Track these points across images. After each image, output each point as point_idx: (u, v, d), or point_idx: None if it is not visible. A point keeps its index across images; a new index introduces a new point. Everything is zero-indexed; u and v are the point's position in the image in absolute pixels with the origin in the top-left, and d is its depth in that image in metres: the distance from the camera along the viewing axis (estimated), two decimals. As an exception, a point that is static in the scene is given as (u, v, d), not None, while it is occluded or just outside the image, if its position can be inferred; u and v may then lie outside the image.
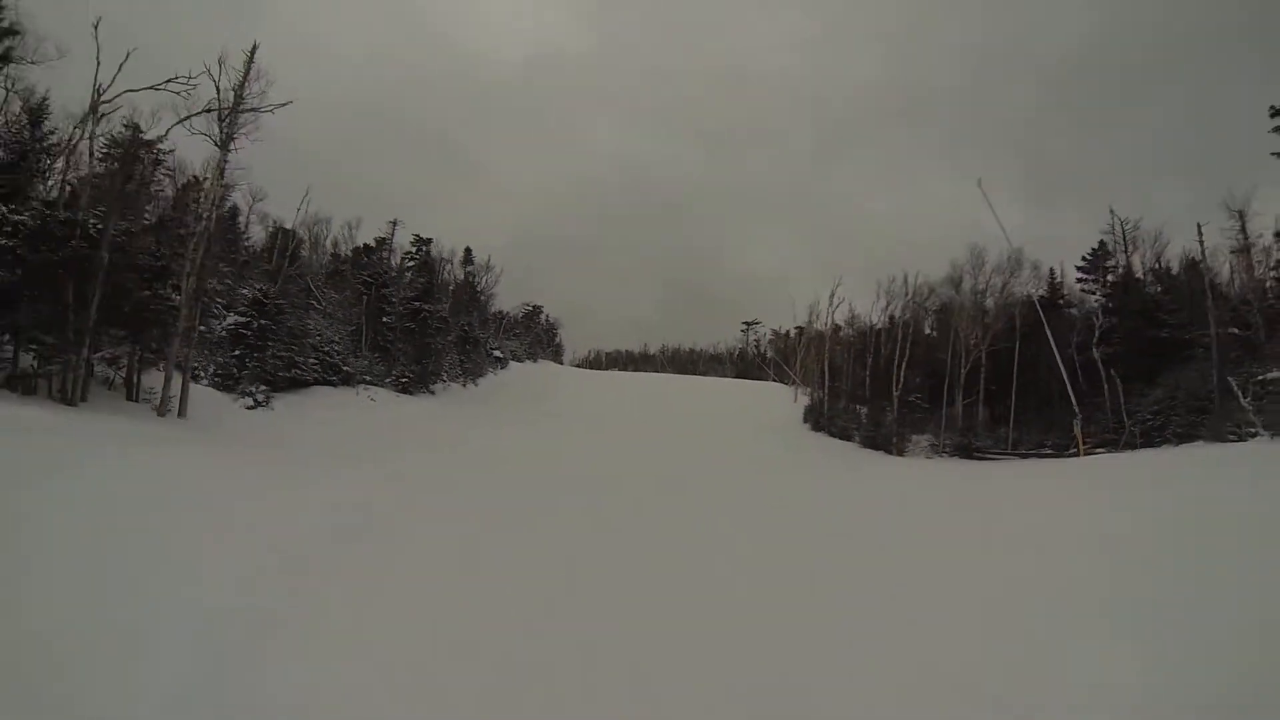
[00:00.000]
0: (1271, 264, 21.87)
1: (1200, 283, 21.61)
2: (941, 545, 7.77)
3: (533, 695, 3.63)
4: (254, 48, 15.75)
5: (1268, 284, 21.48)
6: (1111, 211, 28.00)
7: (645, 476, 14.59)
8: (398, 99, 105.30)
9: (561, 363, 69.89)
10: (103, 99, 13.75)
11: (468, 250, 49.36)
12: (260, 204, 32.69)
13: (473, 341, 42.28)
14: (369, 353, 30.02)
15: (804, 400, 36.43)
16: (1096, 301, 27.66)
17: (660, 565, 6.51)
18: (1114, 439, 21.17)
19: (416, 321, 33.54)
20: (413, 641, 4.22)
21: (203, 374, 20.45)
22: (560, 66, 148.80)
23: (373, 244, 40.98)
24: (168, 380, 14.88)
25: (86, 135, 13.91)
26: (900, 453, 26.59)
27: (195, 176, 21.34)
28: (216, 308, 23.45)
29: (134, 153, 16.59)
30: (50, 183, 15.10)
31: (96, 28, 14.10)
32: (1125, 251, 27.34)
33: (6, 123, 14.68)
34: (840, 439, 28.47)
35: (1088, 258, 28.67)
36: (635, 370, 78.76)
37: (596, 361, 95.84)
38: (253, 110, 15.01)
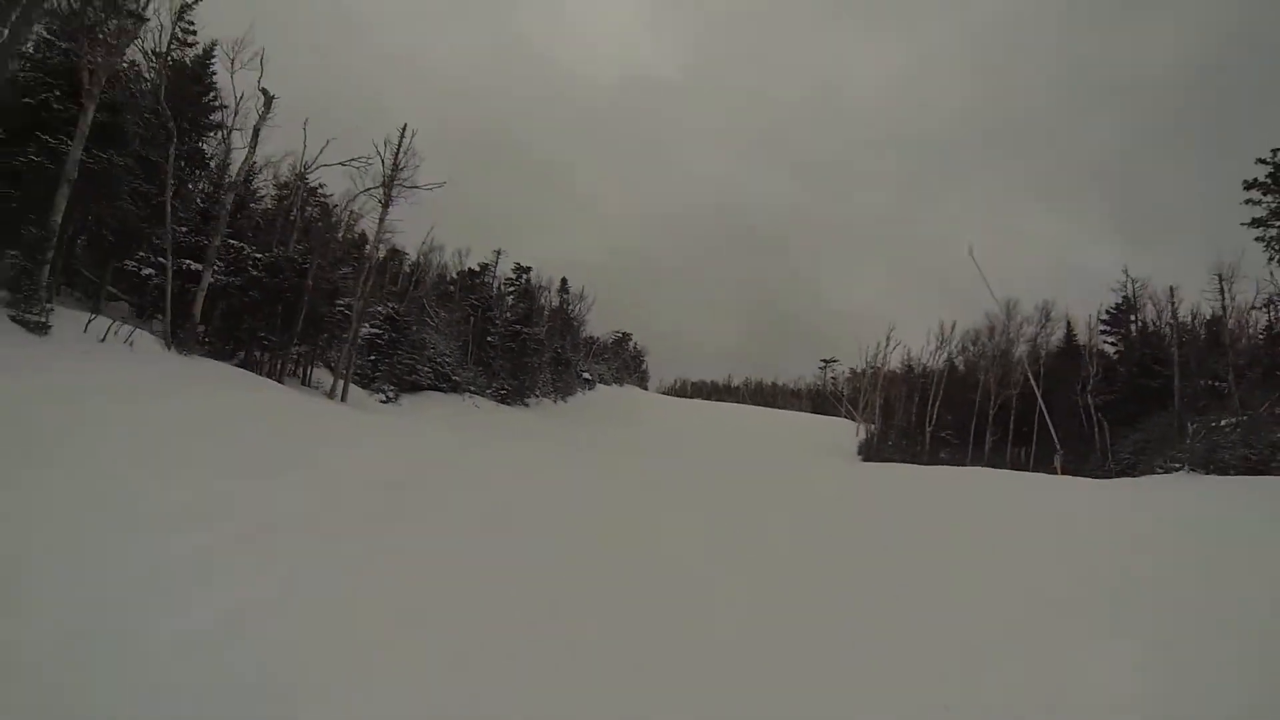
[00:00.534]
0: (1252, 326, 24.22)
1: (1214, 336, 23.98)
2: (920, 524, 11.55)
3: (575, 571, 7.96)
4: (403, 130, 21.38)
5: (1242, 341, 23.51)
6: (1125, 272, 30.80)
7: (698, 478, 18.62)
8: (500, 120, 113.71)
9: (646, 389, 74.68)
10: (309, 170, 19.68)
11: (564, 280, 55.06)
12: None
13: (564, 363, 47.68)
14: (473, 366, 35.58)
15: (864, 435, 39.63)
16: (1114, 353, 30.31)
17: (685, 517, 10.46)
18: (1096, 473, 23.71)
19: (516, 342, 39.02)
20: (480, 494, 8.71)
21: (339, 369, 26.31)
22: (655, 91, 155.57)
23: (478, 269, 47.10)
24: (336, 373, 20.45)
25: (299, 197, 19.91)
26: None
27: (361, 233, 27.69)
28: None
29: (330, 211, 22.89)
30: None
31: (305, 126, 19.98)
32: (1135, 308, 29.77)
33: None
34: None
35: (1110, 312, 31.10)
36: (716, 400, 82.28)
37: (681, 390, 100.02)
38: (413, 187, 20.54)
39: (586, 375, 53.29)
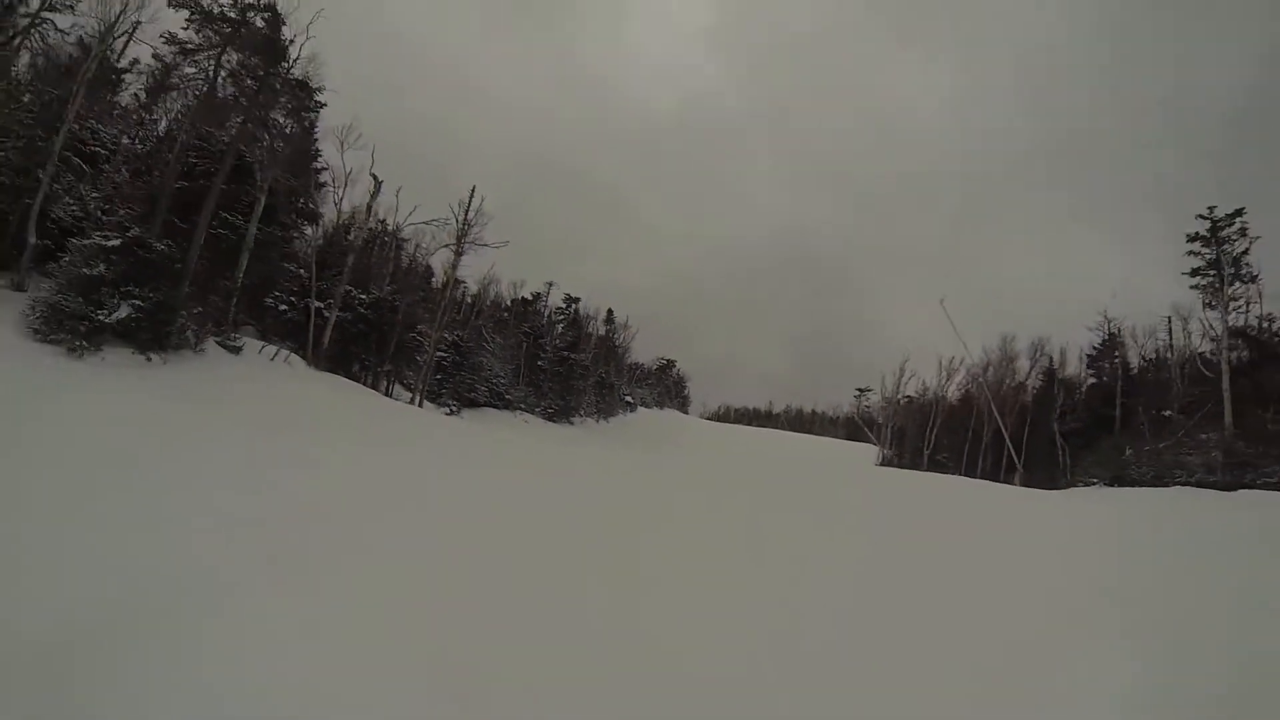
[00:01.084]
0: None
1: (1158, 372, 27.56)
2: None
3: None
4: (472, 192, 26.79)
5: (1185, 370, 26.74)
6: (1104, 314, 33.86)
7: (720, 483, 23.17)
8: (562, 144, 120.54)
9: (687, 413, 79.04)
10: (401, 230, 25.33)
11: (610, 311, 60.27)
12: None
13: (608, 386, 52.68)
14: (525, 386, 40.75)
15: (880, 458, 43.46)
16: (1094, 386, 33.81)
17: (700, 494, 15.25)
18: (1046, 486, 27.50)
19: (564, 366, 44.14)
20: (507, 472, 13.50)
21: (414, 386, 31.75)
22: (714, 116, 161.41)
23: (531, 297, 52.56)
24: (413, 389, 25.77)
25: (392, 249, 25.58)
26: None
27: (427, 266, 33.52)
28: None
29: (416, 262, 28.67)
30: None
31: (398, 194, 25.63)
32: (1117, 345, 32.97)
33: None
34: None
35: (1096, 347, 34.35)
36: (755, 426, 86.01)
37: (725, 415, 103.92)
38: (482, 245, 25.96)
39: (629, 398, 58.13)
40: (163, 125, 18.66)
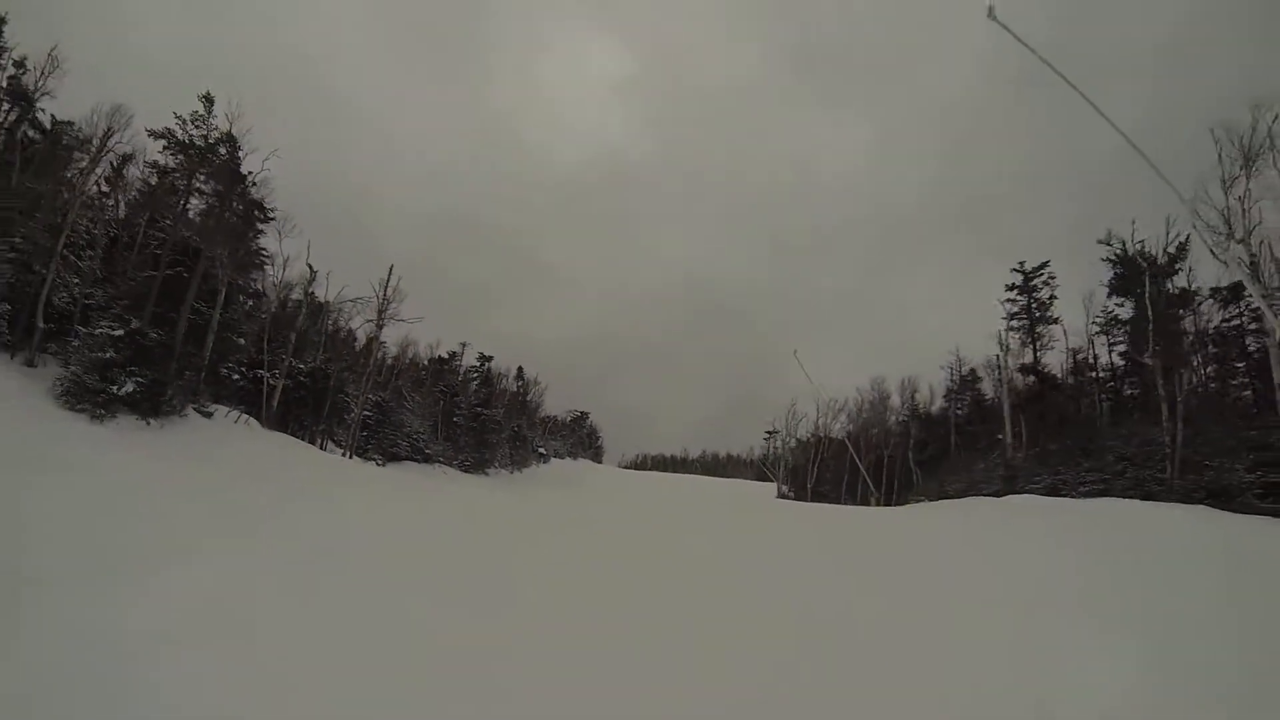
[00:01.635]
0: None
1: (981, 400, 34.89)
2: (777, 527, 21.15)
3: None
4: (390, 271, 31.45)
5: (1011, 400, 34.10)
6: (955, 352, 41.10)
7: (623, 516, 28.01)
8: (476, 197, 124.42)
9: (600, 462, 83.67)
10: (331, 307, 29.66)
11: (520, 369, 65.00)
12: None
13: (521, 439, 56.91)
14: (442, 440, 44.73)
15: (776, 492, 49.60)
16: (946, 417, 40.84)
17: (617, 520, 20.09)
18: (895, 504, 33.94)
19: (478, 422, 48.33)
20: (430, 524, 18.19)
21: (344, 443, 35.48)
22: (626, 169, 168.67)
23: (447, 356, 56.69)
24: (344, 445, 29.72)
25: (325, 322, 29.80)
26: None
27: (349, 331, 37.68)
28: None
29: (339, 328, 32.86)
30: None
31: (329, 276, 30.01)
32: (964, 381, 40.17)
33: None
34: (777, 518, 41.72)
35: (954, 382, 41.61)
36: (670, 472, 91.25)
37: (641, 463, 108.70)
38: (399, 320, 30.58)
39: (542, 450, 62.44)
40: (140, 229, 22.62)
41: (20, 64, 21.45)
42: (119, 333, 17.53)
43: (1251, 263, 18.33)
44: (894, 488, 38.80)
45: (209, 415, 19.89)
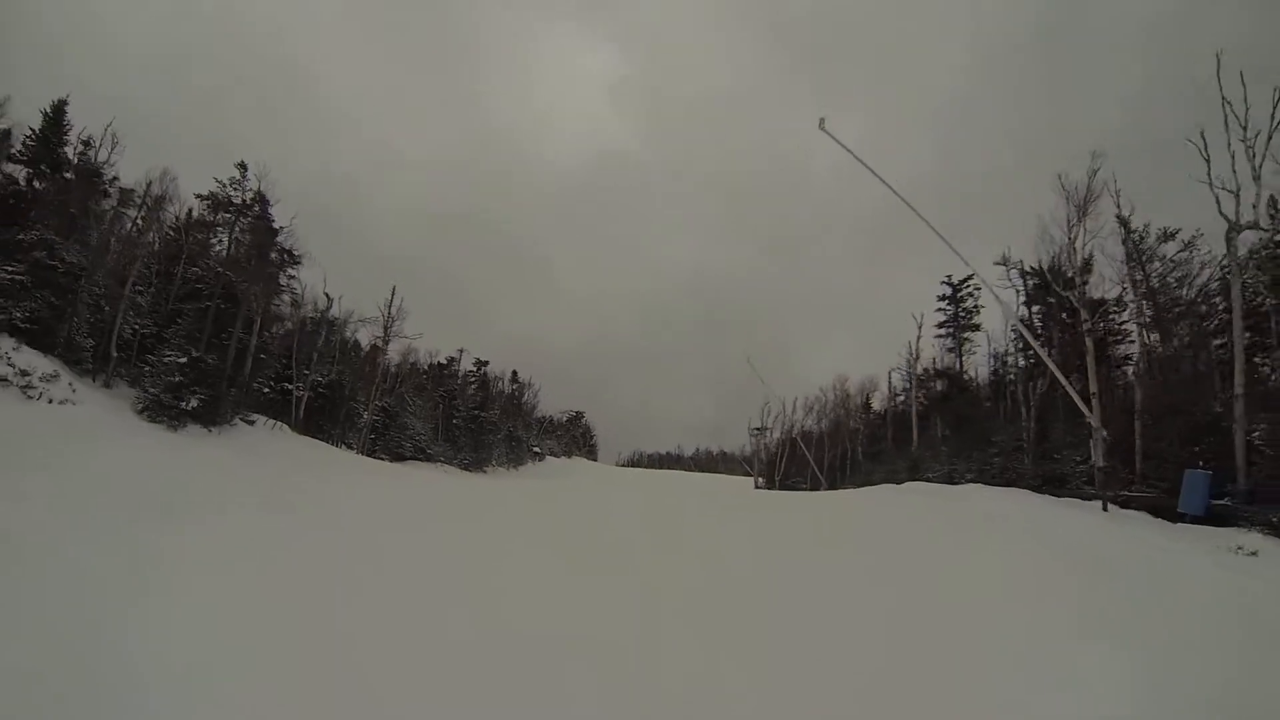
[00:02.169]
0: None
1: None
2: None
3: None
4: (393, 291, 36.62)
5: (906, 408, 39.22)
6: (908, 352, 46.12)
7: (592, 494, 33.23)
8: (475, 202, 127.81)
9: (595, 460, 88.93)
10: (343, 323, 34.86)
11: (514, 372, 70.20)
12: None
13: (516, 439, 62.19)
14: (443, 441, 49.99)
15: (755, 485, 54.94)
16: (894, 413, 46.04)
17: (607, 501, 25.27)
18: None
19: (475, 423, 53.57)
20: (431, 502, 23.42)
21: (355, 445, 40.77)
22: (621, 171, 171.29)
23: (446, 362, 61.85)
24: (356, 447, 34.95)
25: (337, 338, 35.08)
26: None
27: (355, 341, 42.99)
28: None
29: (346, 340, 38.19)
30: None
31: (340, 299, 35.21)
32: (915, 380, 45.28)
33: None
34: (746, 505, 47.02)
35: (895, 385, 46.84)
36: (662, 469, 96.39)
37: (637, 461, 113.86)
38: (403, 338, 35.80)
39: (537, 449, 67.70)
40: (180, 270, 27.87)
41: (87, 143, 26.76)
42: (183, 360, 22.75)
43: (1080, 298, 23.03)
44: (847, 477, 44.01)
45: (251, 423, 25.11)
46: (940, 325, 38.77)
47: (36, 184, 26.61)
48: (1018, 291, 29.91)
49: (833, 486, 41.72)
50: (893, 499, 20.85)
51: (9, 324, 21.00)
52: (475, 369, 62.43)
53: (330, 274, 35.03)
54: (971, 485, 23.68)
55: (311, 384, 31.54)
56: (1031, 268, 28.91)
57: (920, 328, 38.67)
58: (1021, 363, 35.07)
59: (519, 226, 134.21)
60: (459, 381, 60.52)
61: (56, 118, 27.78)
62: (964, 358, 38.20)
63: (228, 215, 27.43)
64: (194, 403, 22.33)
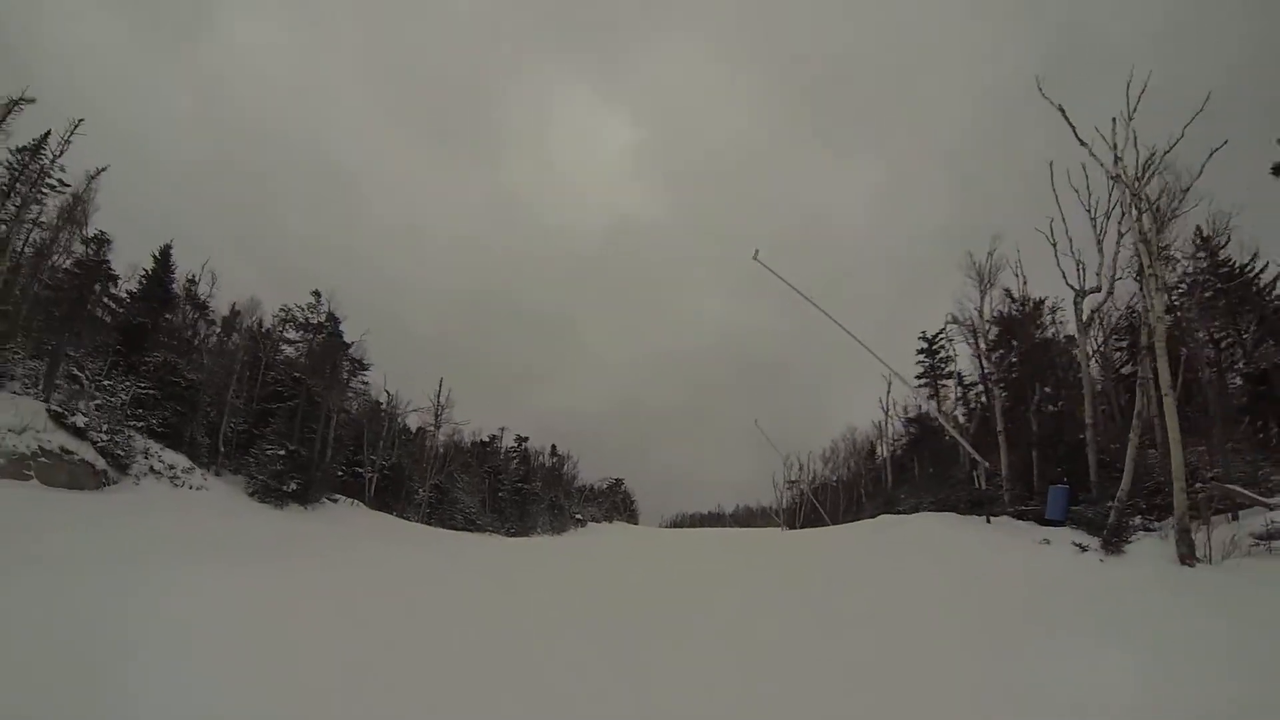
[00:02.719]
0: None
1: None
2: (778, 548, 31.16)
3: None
4: (440, 383, 42.55)
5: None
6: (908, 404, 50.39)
7: (641, 560, 38.02)
8: (498, 276, 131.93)
9: (636, 523, 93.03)
10: (400, 413, 40.82)
11: (554, 446, 75.65)
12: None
13: (559, 508, 67.19)
14: (490, 512, 55.24)
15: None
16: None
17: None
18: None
19: (520, 495, 58.82)
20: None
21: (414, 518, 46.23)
22: (645, 235, 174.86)
23: (488, 439, 67.50)
24: (413, 519, 40.41)
25: (396, 427, 41.08)
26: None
27: (405, 425, 49.06)
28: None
29: (400, 427, 44.29)
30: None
31: (397, 392, 41.36)
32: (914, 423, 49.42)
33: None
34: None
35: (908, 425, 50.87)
36: (703, 527, 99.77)
37: (679, 522, 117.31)
38: (451, 423, 41.63)
39: (579, 516, 72.45)
40: (260, 376, 34.18)
41: (191, 280, 33.65)
42: (282, 452, 28.64)
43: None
44: (855, 515, 48.07)
45: (335, 501, 30.75)
46: (919, 376, 43.23)
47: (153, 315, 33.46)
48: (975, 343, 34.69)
49: (835, 523, 45.85)
50: (852, 529, 25.42)
51: (149, 429, 27.07)
52: (516, 445, 68.01)
53: (372, 359, 41.28)
54: (919, 514, 27.92)
55: (378, 467, 37.33)
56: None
57: (890, 385, 43.39)
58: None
59: (545, 298, 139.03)
60: (501, 457, 66.08)
61: (164, 259, 34.76)
62: (941, 404, 42.52)
63: (306, 334, 34.06)
64: (293, 486, 28.08)
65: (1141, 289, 15.36)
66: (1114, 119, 15.87)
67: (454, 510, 50.02)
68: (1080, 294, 20.38)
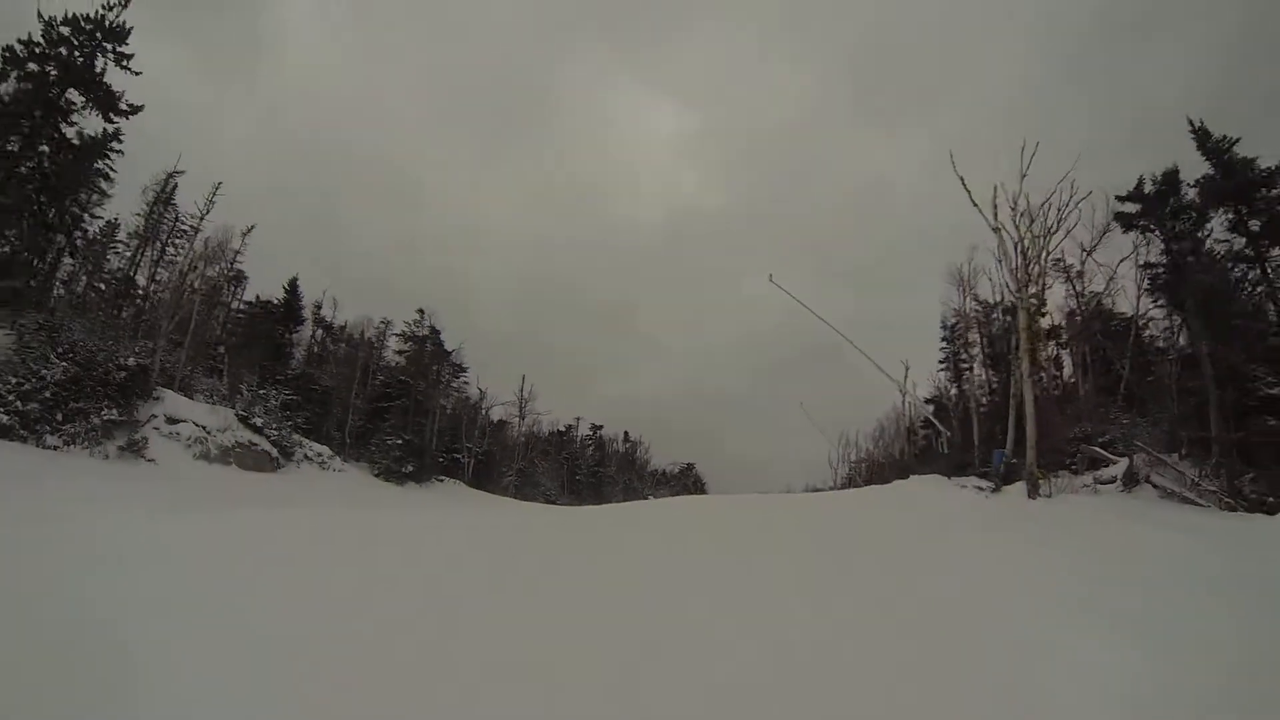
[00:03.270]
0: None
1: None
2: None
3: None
4: (523, 380, 49.18)
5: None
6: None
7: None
8: (562, 270, 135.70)
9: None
10: (488, 406, 47.69)
11: (626, 432, 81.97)
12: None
13: (632, 490, 73.55)
14: (569, 495, 61.93)
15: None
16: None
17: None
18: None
19: (595, 479, 65.34)
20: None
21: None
22: (702, 222, 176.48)
23: (564, 429, 74.32)
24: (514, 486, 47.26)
25: (485, 419, 48.01)
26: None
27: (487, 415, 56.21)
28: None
29: (485, 415, 51.44)
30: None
31: (486, 388, 48.28)
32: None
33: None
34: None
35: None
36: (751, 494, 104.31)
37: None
38: (535, 414, 48.32)
39: (651, 498, 78.64)
40: (370, 376, 41.40)
41: (318, 305, 41.06)
42: (400, 441, 35.61)
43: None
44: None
45: (442, 481, 37.62)
46: (940, 362, 47.14)
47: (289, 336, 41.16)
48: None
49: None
50: (856, 491, 30.48)
51: (297, 427, 34.38)
52: (591, 433, 74.67)
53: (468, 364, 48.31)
54: (911, 478, 32.52)
55: (474, 453, 44.32)
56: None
57: (907, 370, 47.42)
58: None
59: (609, 288, 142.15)
60: (577, 445, 72.86)
61: (292, 289, 42.42)
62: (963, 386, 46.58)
63: (410, 344, 41.36)
64: (409, 468, 35.03)
65: (1016, 307, 19.97)
66: (995, 186, 20.14)
67: (536, 492, 56.85)
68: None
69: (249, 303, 39.97)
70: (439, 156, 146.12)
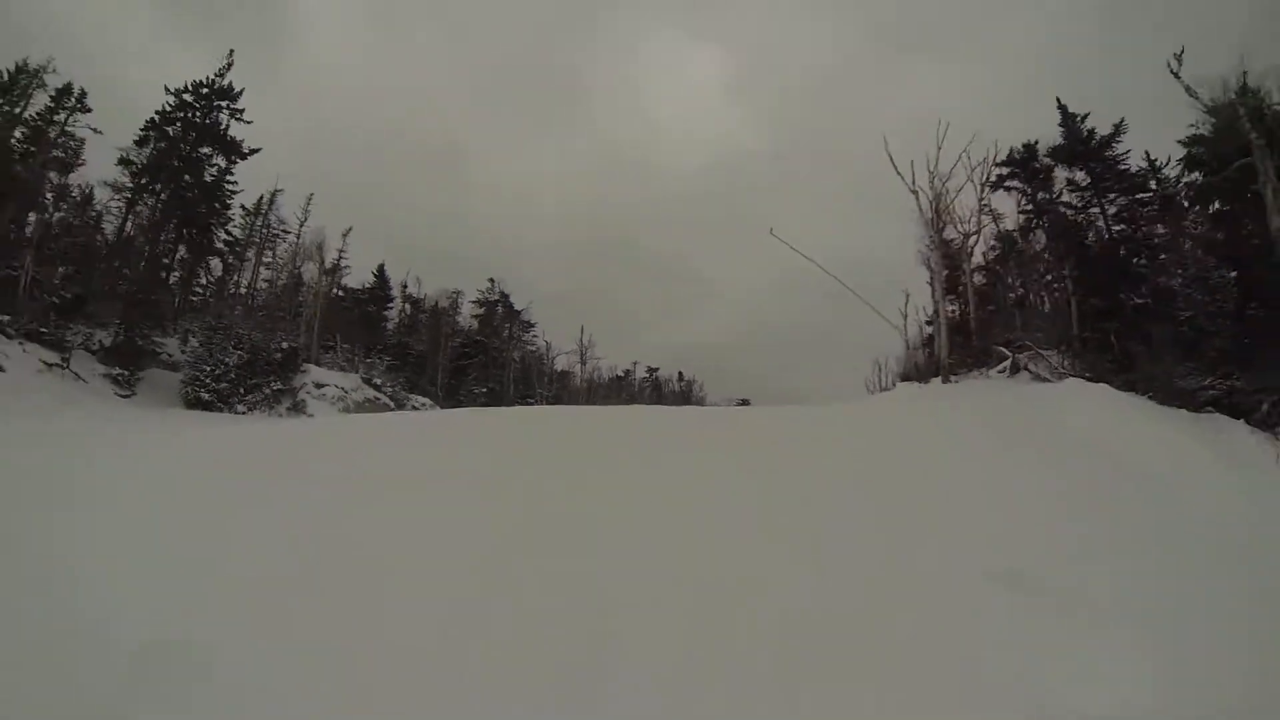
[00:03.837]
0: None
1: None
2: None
3: None
4: (582, 330, 56.97)
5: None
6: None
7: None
8: (610, 220, 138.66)
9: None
10: (553, 358, 55.96)
11: (680, 373, 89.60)
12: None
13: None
14: (631, 431, 70.14)
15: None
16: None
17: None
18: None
19: (653, 414, 73.28)
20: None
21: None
22: (743, 164, 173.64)
23: (623, 374, 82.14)
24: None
25: (550, 366, 56.59)
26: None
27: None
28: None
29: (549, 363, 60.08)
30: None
31: (550, 344, 56.53)
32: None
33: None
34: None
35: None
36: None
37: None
38: (595, 360, 56.32)
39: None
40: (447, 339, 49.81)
41: (405, 285, 49.61)
42: (484, 390, 44.01)
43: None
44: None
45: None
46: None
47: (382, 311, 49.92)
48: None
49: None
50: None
51: (402, 385, 43.06)
52: (648, 375, 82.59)
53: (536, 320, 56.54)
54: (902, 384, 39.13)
55: (544, 399, 52.76)
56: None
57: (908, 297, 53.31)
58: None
59: (661, 237, 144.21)
60: (636, 387, 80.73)
61: (381, 273, 51.07)
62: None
63: (481, 307, 49.78)
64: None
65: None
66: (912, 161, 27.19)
67: (602, 430, 65.22)
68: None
69: (349, 288, 48.89)
70: (481, 133, 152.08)
